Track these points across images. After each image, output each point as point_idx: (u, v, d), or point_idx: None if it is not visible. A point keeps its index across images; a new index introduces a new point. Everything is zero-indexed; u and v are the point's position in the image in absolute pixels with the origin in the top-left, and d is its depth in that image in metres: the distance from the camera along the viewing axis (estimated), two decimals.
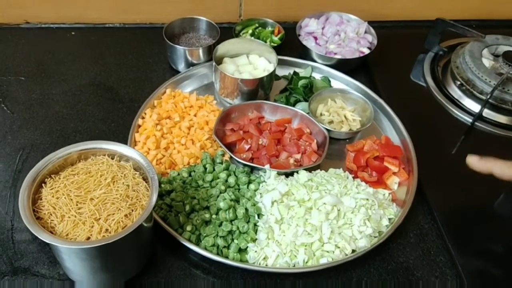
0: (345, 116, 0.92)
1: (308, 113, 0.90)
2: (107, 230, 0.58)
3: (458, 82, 0.99)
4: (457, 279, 0.71)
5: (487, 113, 0.94)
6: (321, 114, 0.93)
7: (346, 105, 0.95)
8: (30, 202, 0.59)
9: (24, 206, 0.57)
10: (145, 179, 0.65)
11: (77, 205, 0.60)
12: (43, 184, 0.62)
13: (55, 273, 0.69)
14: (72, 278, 0.67)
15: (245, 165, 0.82)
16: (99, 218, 0.59)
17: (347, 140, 0.91)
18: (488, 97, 0.92)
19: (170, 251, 0.72)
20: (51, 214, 0.59)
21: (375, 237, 0.73)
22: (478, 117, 0.93)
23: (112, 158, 0.67)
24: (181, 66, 1.00)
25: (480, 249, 0.74)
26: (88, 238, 0.58)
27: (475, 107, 0.95)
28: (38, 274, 0.68)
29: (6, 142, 0.86)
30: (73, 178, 0.63)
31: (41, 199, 0.61)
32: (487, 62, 1.00)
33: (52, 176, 0.63)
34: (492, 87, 0.93)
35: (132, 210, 0.61)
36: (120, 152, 0.66)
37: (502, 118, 0.93)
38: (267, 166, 0.80)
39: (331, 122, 0.92)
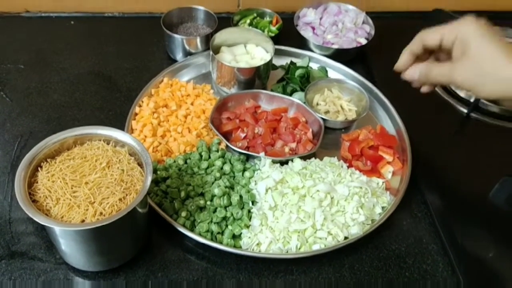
0: (341, 106, 0.93)
1: (304, 103, 0.90)
2: (101, 213, 0.59)
3: None
4: (449, 267, 0.72)
5: (483, 103, 0.94)
6: (317, 104, 0.94)
7: (342, 95, 0.95)
8: (26, 185, 0.60)
9: (20, 189, 0.58)
10: (140, 164, 0.66)
11: (72, 188, 0.61)
12: (39, 168, 0.63)
13: (51, 257, 0.70)
14: (68, 262, 0.68)
15: (240, 153, 0.83)
16: (94, 202, 0.60)
17: (343, 130, 0.91)
18: None
19: (165, 237, 0.73)
20: (46, 197, 0.60)
21: (368, 224, 0.74)
22: (474, 107, 0.93)
23: (108, 144, 0.67)
24: (178, 55, 1.01)
25: (472, 238, 0.74)
26: (83, 221, 0.58)
27: (470, 97, 0.95)
28: (35, 258, 0.70)
29: (5, 129, 0.87)
30: (69, 163, 0.64)
31: (37, 183, 0.62)
32: None
33: (48, 160, 0.64)
34: None
35: (127, 195, 0.62)
36: (115, 138, 0.67)
37: (497, 108, 0.93)
38: (262, 154, 0.81)
39: (327, 111, 0.92)
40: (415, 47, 0.71)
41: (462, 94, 0.97)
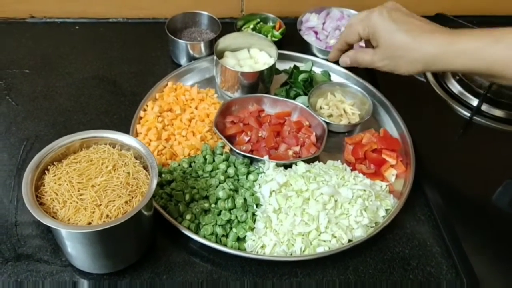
0: (344, 110, 0.93)
1: (307, 107, 0.91)
2: (107, 215, 0.60)
3: (457, 77, 1.00)
4: (453, 269, 0.72)
5: (485, 107, 0.95)
6: (320, 108, 0.94)
7: (345, 98, 0.96)
8: (33, 188, 0.60)
9: (27, 192, 0.59)
10: (145, 167, 0.66)
11: (78, 191, 0.61)
12: (46, 171, 0.64)
13: (57, 259, 0.70)
14: (74, 264, 0.68)
15: (244, 156, 0.83)
16: (100, 204, 0.60)
17: (346, 134, 0.92)
18: (486, 91, 0.93)
19: (170, 240, 0.73)
20: (53, 200, 0.60)
21: (371, 227, 0.74)
22: (477, 111, 0.93)
23: (113, 147, 0.68)
24: (183, 60, 1.01)
25: (476, 240, 0.75)
26: (89, 223, 0.59)
27: (473, 101, 0.96)
28: (41, 260, 0.70)
29: (11, 133, 0.87)
30: (75, 166, 0.64)
31: (43, 186, 0.62)
32: None
33: (55, 163, 0.65)
34: (490, 82, 0.93)
35: (132, 197, 0.62)
36: (121, 141, 0.68)
37: (499, 112, 0.94)
38: (266, 157, 0.82)
39: (330, 115, 0.93)
40: (340, 46, 0.84)
41: (464, 98, 0.98)
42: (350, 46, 0.83)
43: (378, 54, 0.75)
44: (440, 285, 0.70)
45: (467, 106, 0.96)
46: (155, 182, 0.62)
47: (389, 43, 0.72)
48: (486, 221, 0.78)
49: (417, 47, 0.70)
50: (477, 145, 0.90)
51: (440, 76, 1.03)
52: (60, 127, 0.89)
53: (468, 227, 0.76)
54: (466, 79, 0.98)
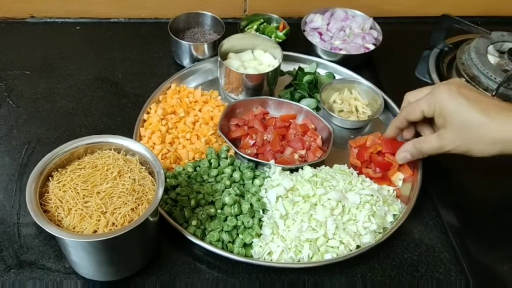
0: (356, 108, 0.93)
1: (313, 109, 0.90)
2: (113, 223, 0.58)
3: (464, 79, 0.99)
4: (462, 275, 0.71)
5: None
6: (334, 102, 0.94)
7: (361, 97, 0.95)
8: (37, 195, 0.59)
9: (31, 199, 0.58)
10: (151, 173, 0.65)
11: (83, 198, 0.60)
12: (49, 178, 0.62)
13: (61, 266, 0.69)
14: (77, 271, 0.67)
15: (250, 160, 0.82)
16: (106, 212, 0.59)
17: (352, 136, 0.91)
18: (493, 93, 0.92)
19: (175, 246, 0.72)
20: (58, 208, 0.59)
21: (379, 233, 0.73)
22: None
23: (118, 153, 0.67)
24: (186, 61, 1.00)
25: (485, 246, 0.74)
26: (95, 231, 0.58)
27: None
28: (44, 267, 0.69)
29: (12, 136, 0.86)
30: (80, 172, 0.63)
31: (48, 193, 0.61)
32: (493, 58, 1.00)
33: (59, 169, 0.64)
34: (497, 84, 0.92)
35: (139, 204, 0.61)
36: (126, 146, 0.67)
37: None
38: (272, 162, 0.80)
39: (341, 110, 0.93)
40: (400, 123, 0.78)
41: None
42: (409, 124, 0.77)
43: (446, 137, 0.69)
44: None
45: None
46: (161, 189, 0.60)
47: (461, 124, 0.66)
48: (495, 226, 0.77)
49: (495, 128, 0.64)
50: None
51: (445, 78, 1.02)
52: (62, 129, 0.88)
53: (477, 232, 0.76)
54: (473, 82, 0.97)
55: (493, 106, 0.65)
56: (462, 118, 0.66)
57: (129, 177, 0.63)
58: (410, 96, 0.77)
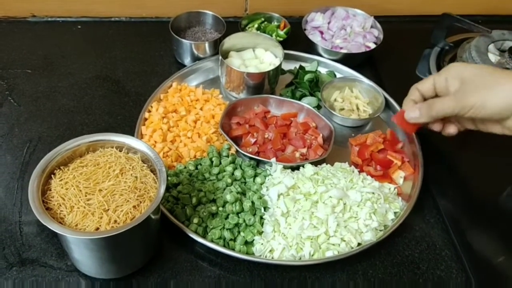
0: (357, 106, 0.93)
1: (314, 107, 0.90)
2: (115, 221, 0.59)
3: None
4: (463, 273, 0.71)
5: None
6: (335, 100, 0.95)
7: (362, 96, 0.96)
8: (40, 192, 0.59)
9: (33, 197, 0.58)
10: (153, 171, 0.65)
11: (86, 196, 0.60)
12: (52, 176, 0.63)
13: (62, 264, 0.69)
14: (79, 269, 0.67)
15: (251, 158, 0.82)
16: (108, 209, 0.59)
17: (352, 134, 0.91)
18: None
19: (176, 244, 0.72)
20: (60, 205, 0.59)
21: (380, 230, 0.74)
22: None
23: (120, 151, 0.67)
24: (187, 60, 1.00)
25: (486, 242, 0.74)
26: (97, 228, 0.58)
27: None
28: (46, 265, 0.69)
29: (13, 135, 0.86)
30: (82, 170, 0.63)
31: (50, 190, 0.61)
32: (493, 57, 1.00)
33: (61, 167, 0.64)
34: None
35: (140, 202, 0.61)
36: (128, 144, 0.67)
37: None
38: (273, 160, 0.81)
39: (342, 109, 0.93)
40: (413, 95, 0.76)
41: None
42: (423, 98, 0.76)
43: (459, 94, 0.68)
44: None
45: None
46: (163, 187, 0.61)
47: (474, 74, 0.68)
48: (496, 223, 0.77)
49: (508, 78, 0.66)
50: (486, 145, 0.89)
51: None
52: (63, 128, 0.88)
53: (478, 229, 0.76)
54: None
55: (500, 69, 0.68)
56: (476, 70, 0.68)
57: (131, 174, 0.63)
58: (418, 84, 0.76)
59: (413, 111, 0.74)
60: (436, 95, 0.74)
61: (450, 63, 1.02)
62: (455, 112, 0.69)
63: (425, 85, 0.74)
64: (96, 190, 0.61)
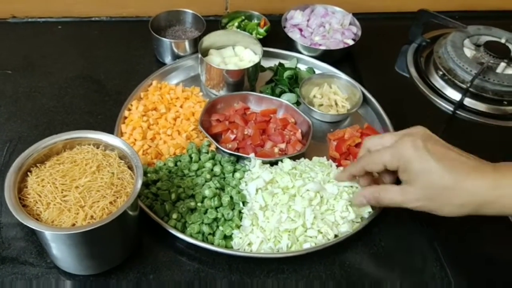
0: (335, 102, 0.95)
1: (294, 104, 0.92)
2: (92, 216, 0.59)
3: (440, 72, 1.01)
4: (437, 261, 0.73)
5: (468, 101, 0.96)
6: (314, 96, 0.96)
7: (340, 91, 0.97)
8: (16, 190, 0.60)
9: (10, 194, 0.58)
10: (130, 167, 0.66)
11: (62, 192, 0.61)
12: (28, 173, 0.63)
13: (42, 261, 0.69)
14: (59, 266, 0.68)
15: (230, 154, 0.83)
16: (84, 205, 0.60)
17: (331, 130, 0.92)
18: (468, 85, 0.94)
19: (156, 240, 0.73)
20: (36, 202, 0.60)
21: (357, 222, 0.75)
22: (459, 105, 0.95)
23: (97, 147, 0.68)
24: (167, 59, 1.01)
25: (459, 233, 0.76)
26: (74, 224, 0.59)
27: (456, 96, 0.97)
28: (26, 263, 0.69)
29: None
30: (59, 167, 0.64)
31: (26, 188, 0.62)
32: (469, 52, 1.02)
33: (38, 165, 0.64)
34: (473, 76, 0.94)
35: (117, 197, 0.62)
36: (105, 141, 0.67)
37: (482, 106, 0.95)
38: (252, 155, 0.82)
39: (321, 105, 0.94)
40: (356, 172, 0.70)
41: (447, 92, 0.99)
42: (367, 175, 0.70)
43: (411, 193, 0.63)
44: (425, 277, 0.71)
45: (450, 100, 0.97)
46: (140, 181, 0.61)
47: (429, 184, 0.61)
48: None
49: (465, 190, 0.60)
50: (461, 140, 0.90)
51: (423, 71, 1.04)
52: (43, 127, 0.88)
53: (451, 219, 0.77)
54: (449, 75, 0.99)
55: (462, 166, 0.61)
56: (429, 179, 0.61)
57: (108, 171, 0.64)
58: (370, 143, 0.70)
59: (360, 201, 0.70)
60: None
61: (427, 63, 1.04)
62: (404, 207, 0.66)
63: (374, 168, 0.67)
64: (72, 187, 0.61)
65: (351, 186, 0.77)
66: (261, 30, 1.08)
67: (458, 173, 0.60)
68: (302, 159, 0.83)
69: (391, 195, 0.66)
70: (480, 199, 0.60)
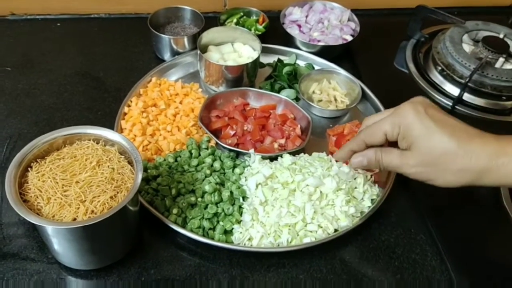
0: (334, 97, 0.95)
1: (293, 99, 0.92)
2: (92, 211, 0.59)
3: (439, 67, 1.01)
4: (437, 256, 0.73)
5: (467, 96, 0.96)
6: (313, 92, 0.96)
7: (339, 87, 0.97)
8: (17, 185, 0.60)
9: (10, 189, 0.59)
10: (130, 162, 0.66)
11: (62, 187, 0.61)
12: (29, 168, 0.63)
13: (43, 257, 0.70)
14: (60, 261, 0.68)
15: (230, 150, 0.84)
16: (85, 200, 0.60)
17: (330, 125, 0.92)
18: (467, 80, 0.94)
19: (157, 235, 0.73)
20: (37, 197, 0.60)
21: (357, 217, 0.75)
22: (458, 100, 0.95)
23: (97, 143, 0.68)
24: (166, 55, 1.01)
25: (459, 227, 0.76)
26: (74, 219, 0.59)
27: (455, 91, 0.97)
28: (27, 258, 0.69)
29: None
30: (59, 162, 0.64)
31: (27, 183, 0.62)
32: (467, 47, 1.02)
33: (38, 160, 0.64)
34: (471, 71, 0.95)
35: (118, 192, 0.62)
36: (105, 137, 0.67)
37: (481, 101, 0.96)
38: (251, 151, 0.82)
39: (320, 100, 0.95)
40: (357, 146, 0.68)
41: (446, 88, 0.99)
42: (367, 148, 0.68)
43: (410, 158, 0.62)
44: (425, 271, 0.71)
45: (449, 96, 0.98)
46: (140, 176, 0.61)
47: (428, 148, 0.59)
48: (468, 208, 0.79)
49: (467, 153, 0.58)
50: None
51: (422, 67, 1.04)
52: (43, 124, 0.88)
53: (451, 214, 0.78)
54: (448, 70, 0.99)
55: (462, 132, 0.59)
56: (429, 144, 0.59)
57: (108, 166, 0.64)
58: (369, 120, 0.69)
59: (361, 160, 0.68)
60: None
61: (425, 59, 1.05)
62: (401, 172, 0.65)
63: (375, 141, 0.66)
64: (73, 182, 0.61)
65: (350, 181, 0.77)
66: (260, 27, 1.08)
67: (460, 138, 0.58)
68: (302, 154, 0.84)
69: (391, 157, 0.64)
70: (481, 165, 0.57)
